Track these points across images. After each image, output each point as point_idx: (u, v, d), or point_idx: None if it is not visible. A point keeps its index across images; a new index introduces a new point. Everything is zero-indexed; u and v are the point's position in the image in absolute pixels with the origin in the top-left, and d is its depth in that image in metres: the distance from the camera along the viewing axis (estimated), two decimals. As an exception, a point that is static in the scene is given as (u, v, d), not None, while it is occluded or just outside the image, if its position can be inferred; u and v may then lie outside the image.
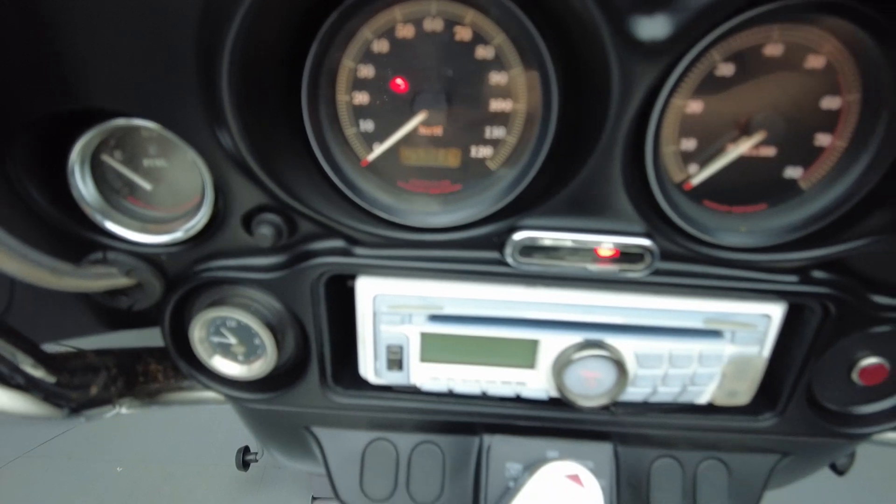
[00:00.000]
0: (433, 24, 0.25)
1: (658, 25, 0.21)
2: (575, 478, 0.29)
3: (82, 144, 0.26)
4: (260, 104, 0.24)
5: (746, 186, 0.28)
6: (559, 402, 0.32)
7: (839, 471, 0.38)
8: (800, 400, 0.33)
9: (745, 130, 0.26)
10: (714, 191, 0.28)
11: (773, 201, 0.28)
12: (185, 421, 1.30)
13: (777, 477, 0.37)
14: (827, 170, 0.27)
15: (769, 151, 0.27)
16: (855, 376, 0.32)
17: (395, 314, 0.30)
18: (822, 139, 0.27)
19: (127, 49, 0.22)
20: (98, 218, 0.27)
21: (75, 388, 0.29)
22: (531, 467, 0.31)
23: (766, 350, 0.31)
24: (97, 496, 1.22)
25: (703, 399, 0.32)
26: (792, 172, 0.28)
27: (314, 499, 1.14)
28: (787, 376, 0.32)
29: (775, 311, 0.30)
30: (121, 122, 0.25)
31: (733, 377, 0.31)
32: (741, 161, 0.28)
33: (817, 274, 0.29)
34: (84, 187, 0.27)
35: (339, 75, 0.26)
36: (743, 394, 0.31)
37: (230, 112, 0.22)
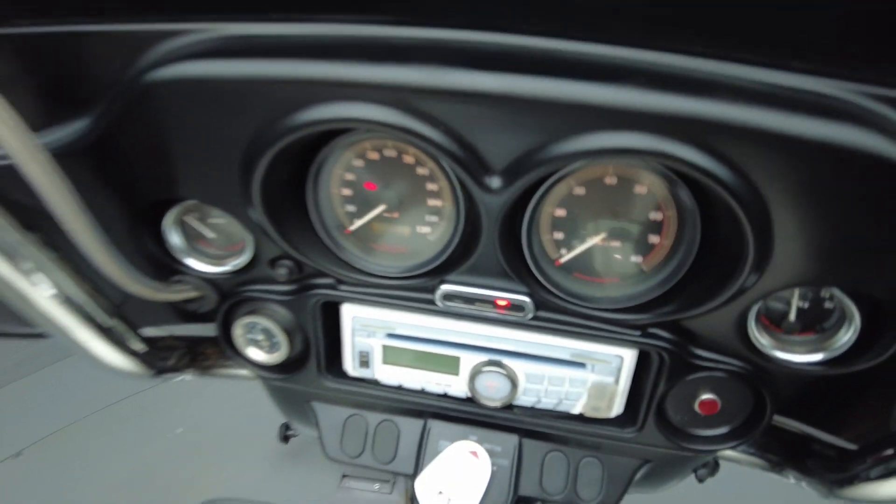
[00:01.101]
0: (390, 152, 0.39)
1: (496, 182, 0.34)
2: (474, 453, 0.42)
3: (174, 213, 0.42)
4: (278, 195, 0.38)
5: (605, 265, 0.40)
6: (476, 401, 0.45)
7: (699, 479, 0.49)
8: (653, 419, 0.44)
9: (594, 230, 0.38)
10: (583, 266, 0.40)
11: (622, 277, 0.40)
12: (236, 401, 1.51)
13: (650, 479, 0.49)
14: (659, 259, 0.39)
15: (616, 244, 0.39)
16: (696, 406, 0.44)
17: (364, 330, 0.45)
18: (653, 238, 0.39)
19: (204, 166, 0.37)
20: (181, 256, 0.43)
21: (160, 359, 0.45)
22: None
23: (622, 380, 0.43)
24: (159, 451, 1.45)
25: (575, 410, 0.44)
26: (635, 259, 0.40)
27: (344, 476, 1.31)
28: (643, 401, 0.44)
29: (627, 354, 0.42)
30: (195, 202, 0.40)
31: (595, 397, 0.43)
32: (599, 248, 0.40)
33: (654, 330, 0.41)
34: (173, 238, 0.43)
35: (332, 178, 0.40)
36: (604, 410, 0.43)
37: (258, 203, 0.37)
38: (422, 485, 0.41)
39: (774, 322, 0.40)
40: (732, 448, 0.45)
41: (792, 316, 0.39)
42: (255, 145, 0.33)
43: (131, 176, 0.37)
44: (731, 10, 0.28)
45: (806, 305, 0.39)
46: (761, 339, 0.39)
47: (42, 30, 0.32)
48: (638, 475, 0.47)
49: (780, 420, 0.45)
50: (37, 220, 0.33)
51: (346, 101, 0.31)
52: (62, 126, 0.34)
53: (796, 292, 0.38)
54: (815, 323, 0.39)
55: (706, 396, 0.43)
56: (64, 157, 0.32)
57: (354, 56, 0.31)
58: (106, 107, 0.33)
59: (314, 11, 0.33)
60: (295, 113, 0.32)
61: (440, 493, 0.41)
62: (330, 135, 0.37)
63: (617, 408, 0.44)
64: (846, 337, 0.38)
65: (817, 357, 0.39)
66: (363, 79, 0.30)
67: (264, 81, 0.31)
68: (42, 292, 0.33)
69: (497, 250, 0.37)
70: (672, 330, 0.40)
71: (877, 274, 0.33)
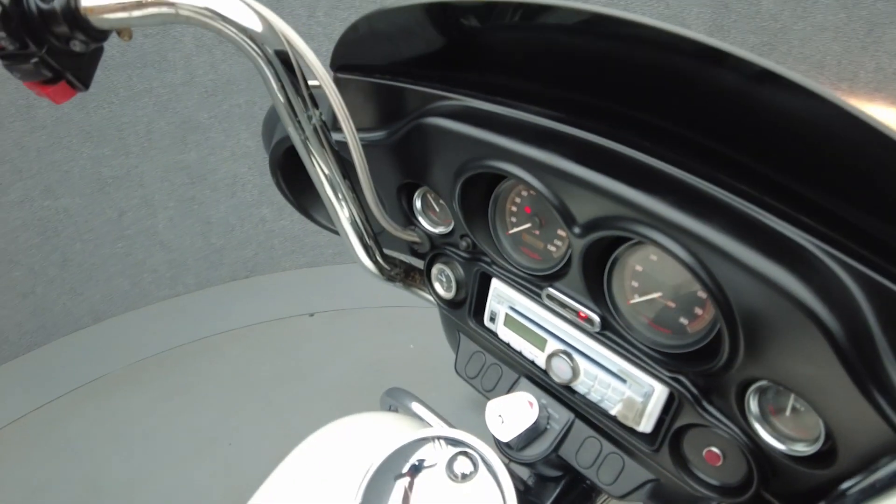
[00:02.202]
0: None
1: (577, 230, 0.52)
2: (531, 403, 0.62)
3: (422, 190, 0.70)
4: (472, 199, 0.62)
5: (661, 315, 0.54)
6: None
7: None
8: (668, 447, 0.56)
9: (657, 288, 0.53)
10: (647, 310, 0.55)
11: (672, 330, 0.54)
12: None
13: (655, 498, 0.60)
14: (700, 327, 0.52)
15: (671, 304, 0.53)
16: (703, 452, 0.55)
17: (498, 298, 0.67)
18: (698, 310, 0.51)
19: (435, 172, 0.63)
20: (417, 215, 0.71)
21: (389, 270, 0.75)
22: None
23: (651, 405, 0.56)
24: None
25: (612, 412, 0.59)
26: (682, 321, 0.53)
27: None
28: (663, 428, 0.57)
29: (658, 387, 0.55)
30: (424, 190, 0.68)
31: (626, 408, 0.58)
32: (660, 302, 0.54)
33: (679, 376, 0.53)
34: (416, 203, 0.71)
35: (508, 198, 0.63)
36: (632, 420, 0.58)
37: (457, 200, 0.62)
38: (492, 405, 0.62)
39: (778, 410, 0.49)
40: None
41: (787, 411, 0.48)
42: (462, 168, 0.58)
43: (401, 165, 0.66)
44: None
45: (798, 405, 0.47)
46: (754, 420, 0.49)
47: (384, 82, 0.62)
48: (646, 487, 0.60)
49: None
50: (349, 173, 0.64)
51: (506, 161, 0.53)
52: (373, 131, 0.65)
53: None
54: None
55: (712, 448, 0.54)
56: (368, 146, 0.62)
57: (524, 137, 0.53)
58: (398, 128, 0.62)
59: (519, 100, 0.55)
60: (484, 160, 0.55)
61: (499, 415, 0.62)
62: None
63: (644, 425, 0.58)
64: (809, 444, 0.46)
65: (795, 448, 0.47)
66: (518, 152, 0.52)
67: (475, 140, 0.55)
68: (343, 213, 0.64)
69: (580, 277, 0.56)
70: (693, 381, 0.53)
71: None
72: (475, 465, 0.54)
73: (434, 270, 0.74)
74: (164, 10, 0.47)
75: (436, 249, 0.72)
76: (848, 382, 0.38)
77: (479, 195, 0.62)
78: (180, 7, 0.47)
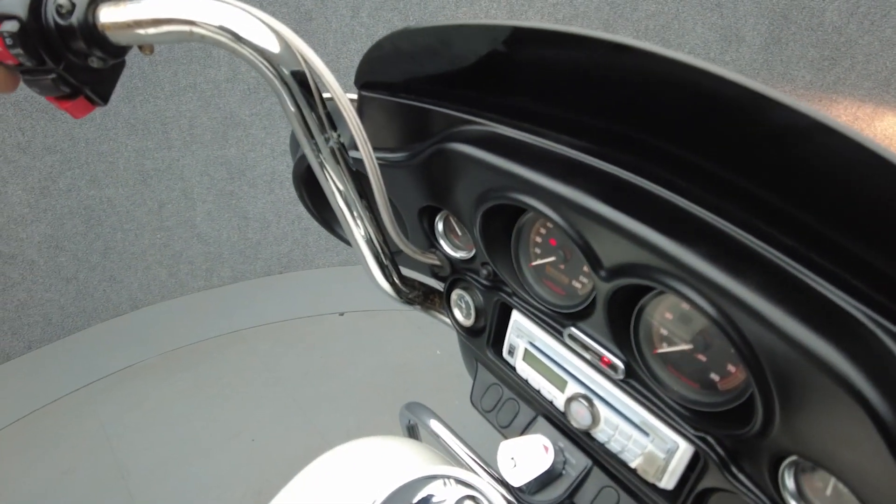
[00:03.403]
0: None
1: (603, 274, 0.48)
2: (546, 448, 0.58)
3: (444, 213, 0.67)
4: (493, 228, 0.59)
5: (690, 368, 0.50)
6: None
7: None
8: None
9: (684, 340, 0.49)
10: (674, 360, 0.51)
11: (701, 384, 0.50)
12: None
13: None
14: (732, 385, 0.47)
15: (702, 357, 0.49)
16: (728, 520, 0.50)
17: (518, 332, 0.63)
18: (731, 367, 0.47)
19: (457, 197, 0.60)
20: (438, 237, 0.68)
21: (407, 292, 0.73)
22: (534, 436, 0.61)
23: (674, 462, 0.52)
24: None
25: (632, 464, 0.55)
26: (713, 377, 0.48)
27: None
28: (686, 487, 0.52)
29: (683, 444, 0.51)
30: (445, 213, 0.65)
31: (647, 462, 0.54)
32: (689, 354, 0.50)
33: (707, 437, 0.49)
34: (438, 225, 0.68)
35: (533, 229, 0.59)
36: (652, 476, 0.54)
37: (478, 230, 0.59)
38: (504, 447, 0.59)
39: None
40: None
41: (828, 490, 0.43)
42: (483, 197, 0.55)
43: (423, 188, 0.63)
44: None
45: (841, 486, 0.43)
46: (789, 497, 0.45)
47: (408, 102, 0.59)
48: (664, 547, 0.55)
49: None
50: (367, 192, 0.61)
51: (529, 195, 0.50)
52: (396, 151, 0.62)
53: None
54: None
55: (737, 517, 0.49)
56: (390, 166, 0.59)
57: (549, 170, 0.49)
58: (420, 150, 0.59)
59: (547, 128, 0.52)
60: (507, 191, 0.52)
61: (512, 458, 0.59)
62: None
63: (666, 482, 0.54)
64: None
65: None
66: (543, 185, 0.49)
67: (498, 170, 0.52)
68: (360, 232, 0.62)
69: (605, 321, 0.52)
70: (721, 443, 0.49)
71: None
72: (481, 511, 0.51)
73: (454, 296, 0.71)
74: (181, 27, 0.46)
75: (456, 274, 0.69)
76: None
77: (501, 223, 0.59)
78: (197, 25, 0.46)
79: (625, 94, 0.45)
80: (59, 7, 0.45)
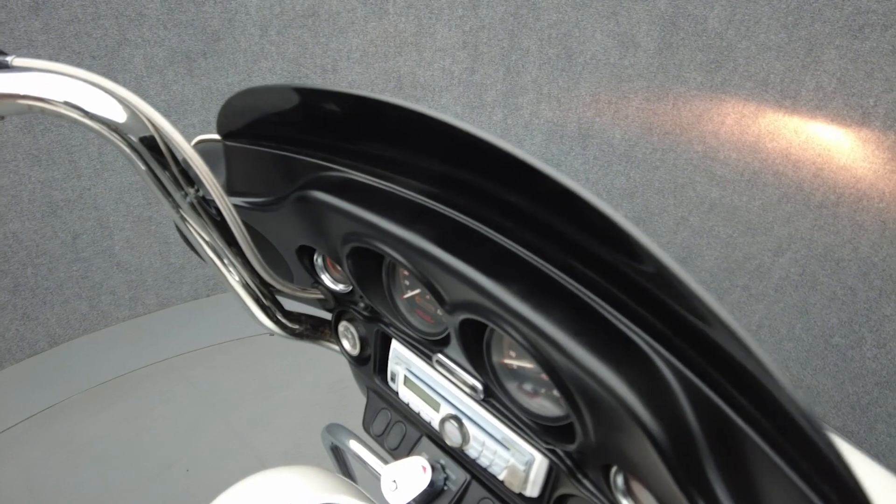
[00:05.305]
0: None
1: (446, 307, 0.52)
2: (424, 468, 0.63)
3: (319, 254, 0.70)
4: (362, 266, 0.63)
5: (537, 386, 0.55)
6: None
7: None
8: None
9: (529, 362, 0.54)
10: (524, 379, 0.56)
11: (551, 401, 0.55)
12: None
13: None
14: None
15: (545, 376, 0.54)
16: (583, 521, 0.56)
17: (398, 359, 0.67)
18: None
19: (324, 239, 0.63)
20: (319, 272, 0.71)
21: (293, 327, 0.75)
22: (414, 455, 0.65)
23: (533, 473, 0.57)
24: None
25: (501, 476, 0.60)
26: (556, 393, 0.54)
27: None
28: (545, 495, 0.58)
29: (538, 456, 0.56)
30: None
31: (511, 474, 0.58)
32: (535, 375, 0.55)
33: (557, 450, 0.54)
34: (317, 261, 0.71)
35: (400, 267, 0.63)
36: (517, 486, 0.59)
37: (347, 267, 0.62)
38: (386, 471, 0.63)
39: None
40: None
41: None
42: (345, 240, 0.59)
43: (294, 230, 0.66)
44: None
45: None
46: (619, 495, 0.50)
47: (268, 150, 0.62)
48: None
49: None
50: (234, 239, 0.64)
51: (377, 239, 0.54)
52: (264, 196, 0.65)
53: None
54: None
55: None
56: (261, 211, 0.62)
57: (394, 215, 0.53)
58: (284, 195, 0.62)
59: (399, 173, 0.56)
60: (361, 236, 0.56)
61: (394, 481, 0.62)
62: None
63: (530, 491, 0.59)
64: None
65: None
66: (388, 230, 0.52)
67: (350, 215, 0.56)
68: (233, 278, 0.64)
69: (459, 348, 0.56)
70: (569, 454, 0.54)
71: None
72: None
73: (341, 327, 0.74)
74: (19, 102, 0.47)
75: (341, 306, 0.73)
76: (675, 487, 0.39)
77: (373, 259, 0.62)
78: (37, 100, 0.47)
79: (439, 145, 0.49)
80: None
